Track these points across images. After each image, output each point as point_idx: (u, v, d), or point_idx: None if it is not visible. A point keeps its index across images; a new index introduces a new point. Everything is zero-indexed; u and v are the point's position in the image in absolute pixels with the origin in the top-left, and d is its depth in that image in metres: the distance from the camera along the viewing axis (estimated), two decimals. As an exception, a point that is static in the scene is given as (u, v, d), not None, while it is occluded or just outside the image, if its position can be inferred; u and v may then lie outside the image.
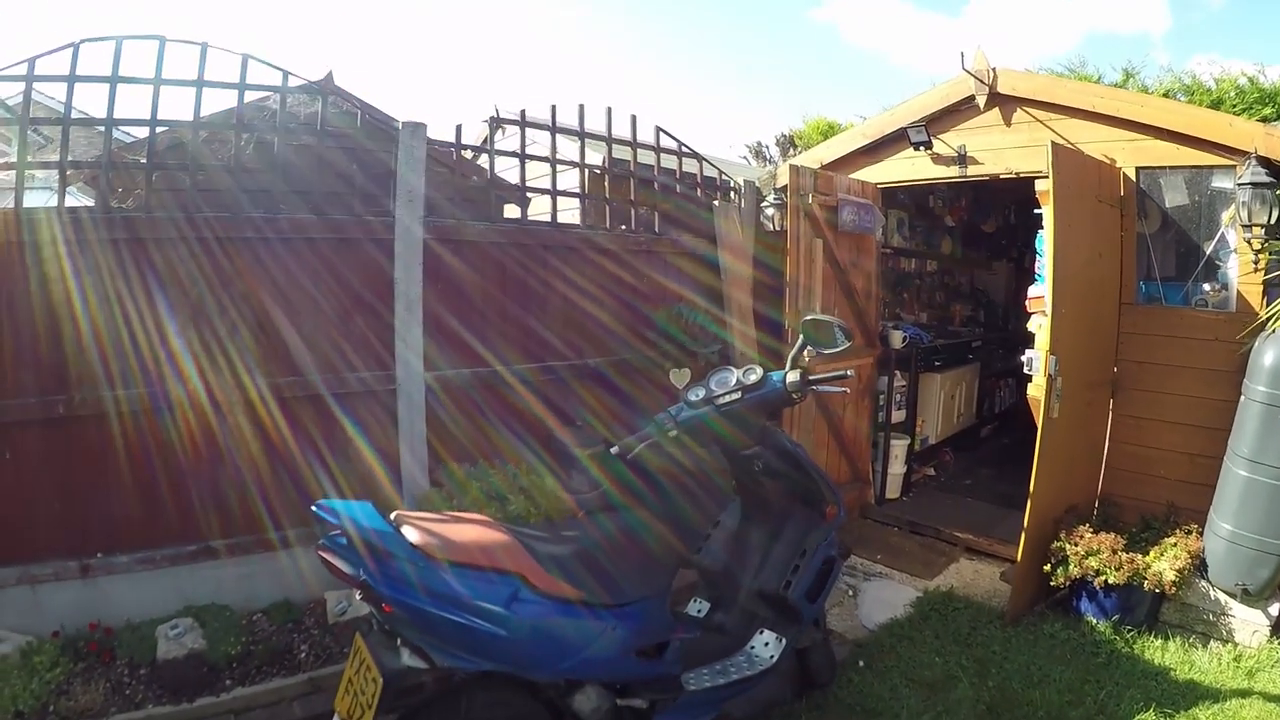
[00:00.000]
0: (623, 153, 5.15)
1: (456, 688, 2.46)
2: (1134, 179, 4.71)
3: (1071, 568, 4.10)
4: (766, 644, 3.23)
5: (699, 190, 5.54)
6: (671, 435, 3.14)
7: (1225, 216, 4.44)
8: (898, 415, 6.27)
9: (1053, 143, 4.18)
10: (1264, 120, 4.59)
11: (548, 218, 4.79)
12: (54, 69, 3.39)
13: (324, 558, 2.34)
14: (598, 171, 5.35)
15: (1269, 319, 4.05)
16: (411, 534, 2.37)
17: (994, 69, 5.14)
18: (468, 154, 5.05)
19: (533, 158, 4.66)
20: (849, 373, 3.30)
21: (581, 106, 4.86)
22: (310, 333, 3.91)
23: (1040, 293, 4.73)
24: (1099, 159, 4.70)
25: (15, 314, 3.29)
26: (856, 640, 4.10)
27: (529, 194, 4.71)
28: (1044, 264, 4.51)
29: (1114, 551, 4.04)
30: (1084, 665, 3.77)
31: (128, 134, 4.86)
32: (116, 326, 3.45)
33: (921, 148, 5.51)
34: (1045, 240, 4.28)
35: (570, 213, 5.15)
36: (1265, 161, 4.11)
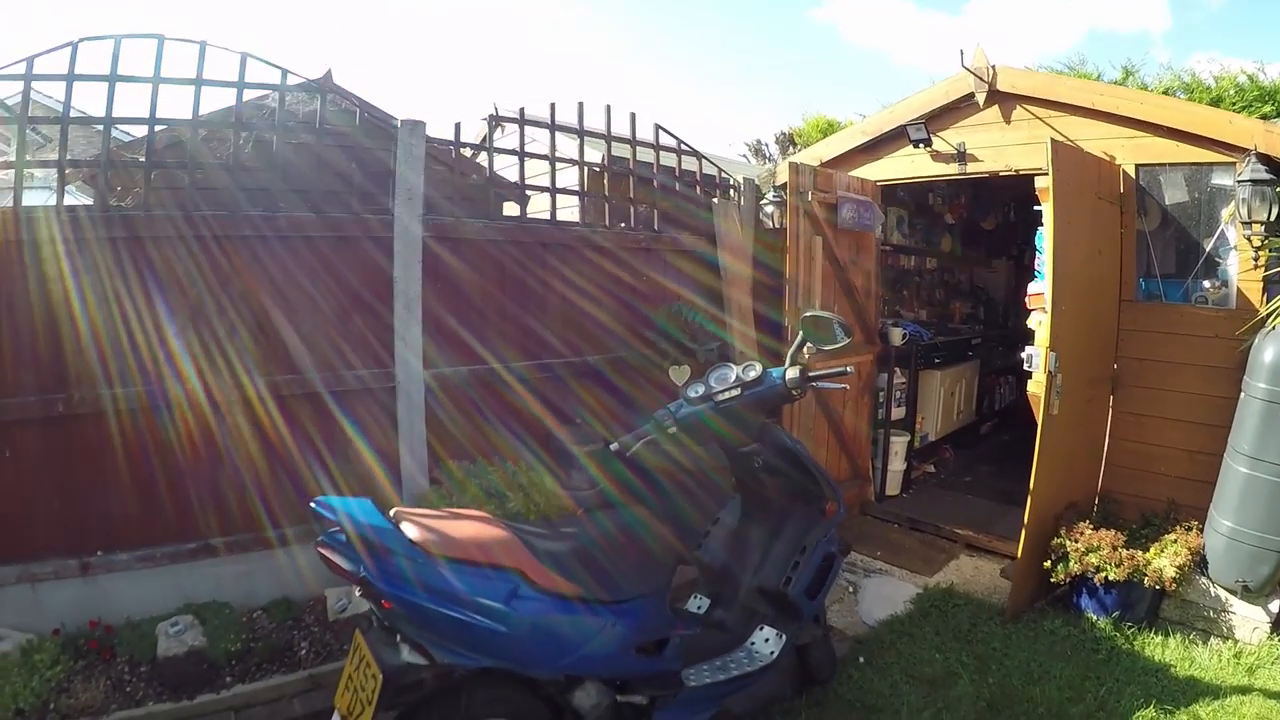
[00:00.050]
0: (622, 150, 5.14)
1: (456, 684, 2.46)
2: (1134, 176, 4.71)
3: (1072, 564, 4.10)
4: (767, 640, 3.23)
5: (698, 188, 5.54)
6: (671, 432, 3.14)
7: (1225, 213, 4.43)
8: (897, 412, 6.27)
9: (1052, 140, 4.18)
10: (1264, 118, 4.58)
11: (547, 216, 4.79)
12: (52, 68, 3.39)
13: (323, 554, 2.34)
14: (597, 169, 5.35)
15: (1269, 315, 4.05)
16: (410, 530, 2.37)
17: (993, 66, 5.14)
18: (467, 152, 5.05)
19: (532, 155, 4.66)
20: (849, 369, 3.30)
21: (581, 104, 4.86)
22: (309, 331, 3.91)
23: (1040, 289, 4.73)
24: (1099, 156, 4.69)
25: (14, 313, 3.29)
26: (857, 637, 4.10)
27: (528, 192, 4.70)
28: (1044, 261, 4.50)
29: (1114, 548, 4.04)
30: (1084, 662, 3.77)
31: (126, 133, 4.87)
32: (115, 325, 3.45)
33: (921, 145, 5.51)
34: (1045, 237, 4.28)
35: (570, 211, 5.15)
36: (1265, 158, 4.11)
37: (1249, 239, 4.26)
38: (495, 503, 3.86)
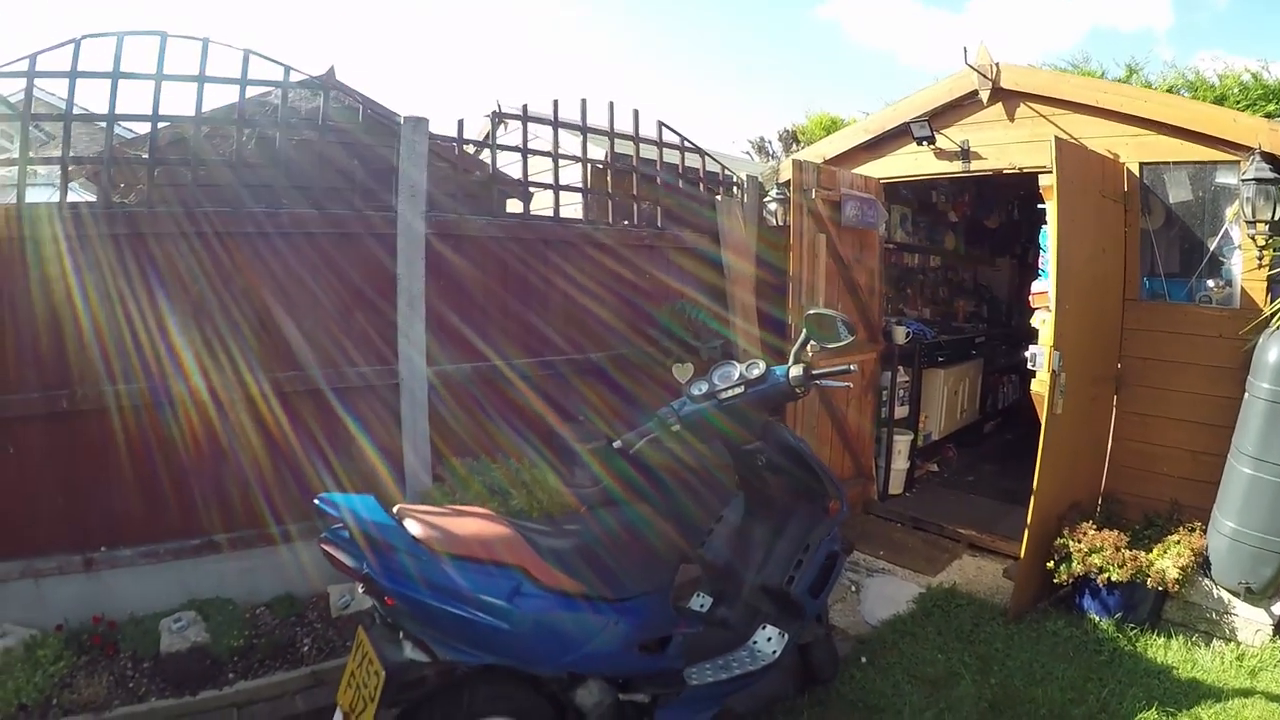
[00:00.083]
0: (625, 148, 5.14)
1: (459, 681, 2.47)
2: (1138, 174, 4.69)
3: (1074, 565, 4.09)
4: (769, 639, 3.23)
5: (701, 185, 5.53)
6: (674, 430, 3.14)
7: (1229, 212, 4.42)
8: (901, 411, 6.27)
9: (1056, 138, 4.17)
10: (1268, 116, 4.56)
11: (550, 213, 4.78)
12: (55, 65, 3.39)
13: (326, 551, 2.34)
14: (600, 166, 5.34)
15: (1273, 315, 4.04)
16: (413, 527, 2.37)
17: (997, 64, 5.13)
18: (470, 149, 5.04)
19: (535, 152, 4.65)
20: (852, 367, 3.29)
21: (584, 101, 4.85)
22: (311, 328, 3.91)
23: (1044, 288, 4.72)
24: (1103, 154, 4.68)
25: (17, 309, 3.29)
26: (859, 636, 4.10)
27: (531, 189, 4.70)
28: (1047, 259, 4.50)
29: (1117, 549, 4.03)
30: (1086, 663, 3.77)
31: (129, 129, 4.85)
32: (118, 321, 3.45)
33: (924, 143, 5.50)
34: (1049, 235, 4.28)
35: (573, 208, 5.14)
36: (1269, 157, 4.10)
37: (1253, 238, 4.24)
38: (498, 500, 3.86)
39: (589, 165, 5.01)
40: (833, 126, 7.57)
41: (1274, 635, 3.87)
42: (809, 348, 3.22)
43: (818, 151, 6.19)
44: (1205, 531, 4.13)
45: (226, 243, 3.69)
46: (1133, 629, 4.01)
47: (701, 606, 3.43)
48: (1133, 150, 4.69)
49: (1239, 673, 3.69)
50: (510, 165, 4.85)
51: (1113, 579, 3.97)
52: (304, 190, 3.95)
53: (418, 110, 4.30)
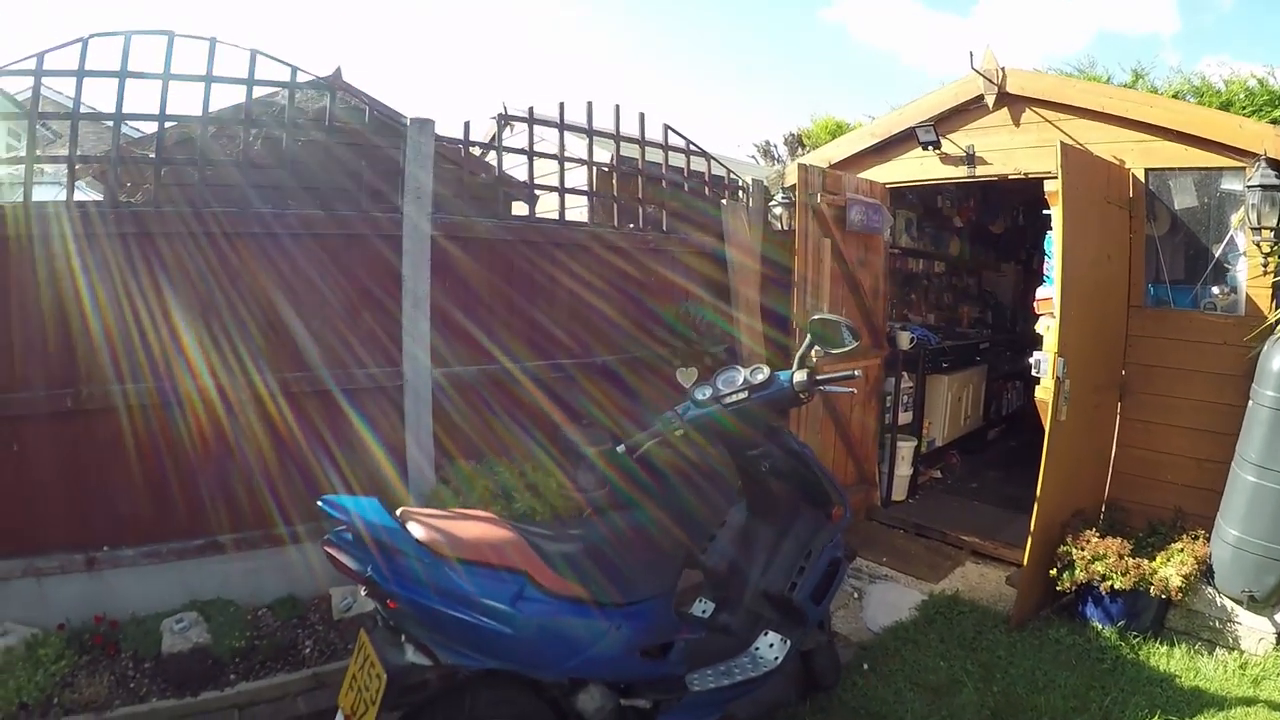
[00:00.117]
0: (631, 150, 5.14)
1: (460, 685, 2.46)
2: (1143, 180, 4.69)
3: (1078, 572, 4.08)
4: (771, 645, 3.22)
5: (707, 189, 5.53)
6: (678, 434, 3.14)
7: (1235, 219, 4.41)
8: (905, 417, 6.26)
9: (1062, 143, 4.16)
10: (1274, 122, 4.55)
11: (555, 215, 4.79)
12: (63, 64, 3.41)
13: (330, 553, 2.34)
14: (605, 169, 5.34)
15: (1278, 322, 4.03)
16: (417, 530, 2.37)
17: (1003, 69, 5.12)
18: (476, 151, 5.05)
19: (541, 155, 4.66)
20: (856, 373, 3.30)
21: (590, 104, 4.86)
22: (318, 328, 3.91)
23: (1048, 294, 4.71)
24: (1108, 160, 4.68)
25: (24, 308, 3.30)
26: (861, 643, 4.09)
27: (537, 191, 4.70)
28: (1052, 265, 4.49)
29: (1120, 556, 4.02)
30: (1089, 671, 3.76)
31: (136, 129, 4.86)
32: (125, 321, 3.46)
33: (930, 148, 5.49)
34: (1054, 241, 4.27)
35: (578, 210, 5.15)
36: (1275, 164, 4.09)
37: (1258, 245, 4.23)
38: (502, 502, 3.86)
39: (595, 168, 5.01)
40: (838, 130, 7.57)
41: (1277, 644, 3.85)
42: (813, 352, 3.22)
43: (823, 156, 6.18)
44: (1209, 539, 4.11)
45: (234, 243, 3.70)
46: (1135, 637, 4.00)
47: (704, 612, 3.42)
48: (1138, 156, 4.68)
49: (1242, 681, 3.67)
50: (515, 168, 4.85)
51: (1116, 587, 3.96)
52: (311, 190, 3.96)
53: (421, 111, 4.31)
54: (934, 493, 6.49)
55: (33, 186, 3.37)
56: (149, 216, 3.52)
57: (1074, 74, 5.67)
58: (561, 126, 4.75)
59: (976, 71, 5.17)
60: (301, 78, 3.94)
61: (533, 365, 4.56)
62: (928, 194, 7.33)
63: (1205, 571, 4.05)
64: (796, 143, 9.05)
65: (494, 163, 4.68)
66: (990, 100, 5.22)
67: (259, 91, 3.92)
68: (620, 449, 3.19)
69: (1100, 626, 4.09)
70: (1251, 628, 3.92)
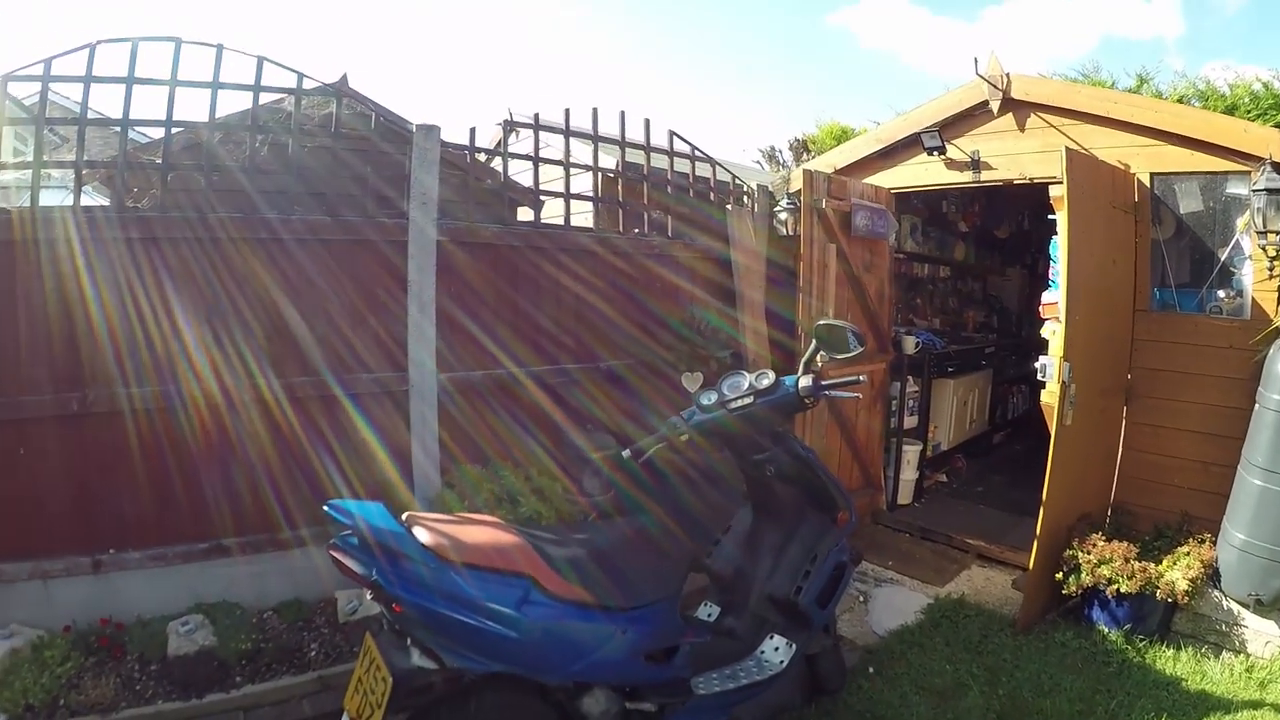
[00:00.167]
0: (636, 156, 5.15)
1: (466, 689, 2.46)
2: (1148, 185, 4.68)
3: (1084, 576, 4.07)
4: (776, 649, 3.22)
5: (712, 194, 5.54)
6: (683, 439, 3.14)
7: (1240, 223, 4.40)
8: (910, 421, 6.25)
9: (1067, 148, 4.16)
10: (1279, 126, 4.55)
11: (560, 221, 4.80)
12: (70, 70, 3.42)
13: (335, 557, 2.34)
14: (611, 175, 5.35)
15: (1284, 326, 4.02)
16: (423, 535, 2.37)
17: (1008, 74, 5.12)
18: (481, 156, 5.06)
19: (547, 160, 4.67)
20: (861, 378, 3.29)
21: (595, 110, 4.88)
22: (324, 333, 3.93)
23: (1054, 299, 4.70)
24: (1113, 165, 4.67)
25: (31, 311, 3.32)
26: (867, 647, 4.08)
27: (542, 197, 4.71)
28: (1058, 270, 4.48)
29: (1126, 560, 4.01)
30: (1095, 674, 3.75)
31: (143, 134, 4.89)
32: (131, 325, 3.48)
33: (935, 153, 5.49)
34: (1059, 246, 4.26)
35: (583, 216, 5.16)
36: (1281, 168, 4.08)
37: (1264, 249, 4.22)
38: (507, 507, 3.87)
39: (600, 174, 5.03)
40: (843, 136, 7.55)
41: (1285, 649, 3.84)
42: (819, 357, 3.22)
43: (828, 161, 6.19)
44: (1215, 543, 4.09)
45: (240, 248, 3.72)
46: (1142, 640, 3.99)
47: (709, 616, 3.41)
48: (1144, 160, 4.68)
49: (1248, 685, 3.66)
50: (520, 173, 4.87)
51: (1122, 590, 3.95)
52: (317, 196, 3.99)
53: (425, 116, 4.35)
54: (939, 497, 6.48)
55: (40, 191, 3.39)
56: (156, 221, 3.54)
57: (1078, 79, 5.66)
58: (567, 133, 4.77)
59: (981, 77, 5.18)
60: (308, 84, 3.96)
61: (538, 369, 4.57)
62: (933, 199, 7.33)
63: (1211, 575, 4.03)
64: (801, 148, 9.03)
65: (499, 168, 4.69)
66: (995, 105, 5.22)
67: (266, 97, 3.94)
68: (626, 454, 3.19)
69: (1106, 630, 4.08)
70: (1258, 631, 3.91)
